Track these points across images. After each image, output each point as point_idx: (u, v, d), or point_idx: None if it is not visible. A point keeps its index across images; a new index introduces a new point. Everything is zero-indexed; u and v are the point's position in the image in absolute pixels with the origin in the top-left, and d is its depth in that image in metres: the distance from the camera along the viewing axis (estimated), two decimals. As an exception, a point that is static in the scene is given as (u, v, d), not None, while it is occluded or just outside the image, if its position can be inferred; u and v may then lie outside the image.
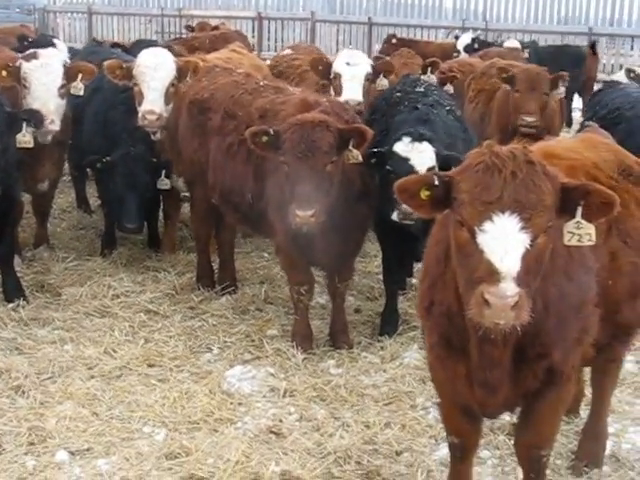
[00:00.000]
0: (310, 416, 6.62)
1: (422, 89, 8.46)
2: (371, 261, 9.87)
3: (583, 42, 24.97)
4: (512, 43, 15.66)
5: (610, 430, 6.24)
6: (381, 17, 30.71)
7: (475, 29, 26.17)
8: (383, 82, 9.95)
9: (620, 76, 12.49)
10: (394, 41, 18.59)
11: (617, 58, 27.31)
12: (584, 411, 6.45)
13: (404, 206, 6.88)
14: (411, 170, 7.09)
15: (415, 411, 6.72)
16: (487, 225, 3.84)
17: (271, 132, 7.02)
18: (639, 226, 5.18)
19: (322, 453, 6.09)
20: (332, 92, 9.74)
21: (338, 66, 9.85)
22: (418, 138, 7.29)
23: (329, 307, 8.26)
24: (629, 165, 5.41)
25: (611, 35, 28.20)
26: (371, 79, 9.86)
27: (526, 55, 15.53)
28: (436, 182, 4.11)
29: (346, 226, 7.30)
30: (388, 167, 7.26)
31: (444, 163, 7.08)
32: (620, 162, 5.38)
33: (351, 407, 6.78)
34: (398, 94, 8.44)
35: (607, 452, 6.12)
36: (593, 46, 21.07)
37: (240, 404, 6.78)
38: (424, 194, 4.14)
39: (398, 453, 6.16)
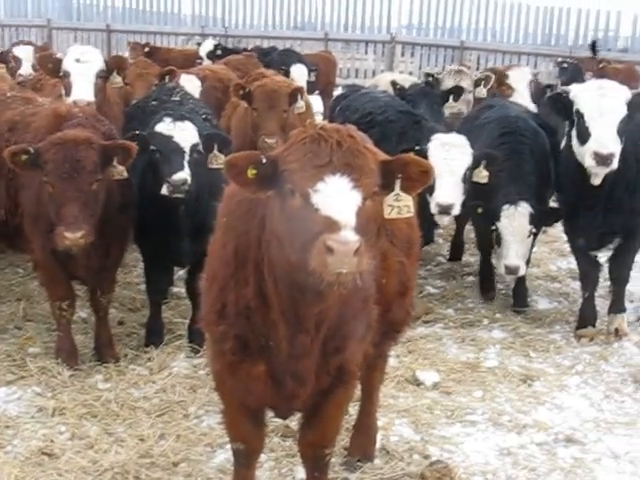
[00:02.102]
0: (82, 434, 6.49)
1: (178, 98, 8.48)
2: (130, 271, 9.76)
3: (320, 47, 25.70)
4: (297, 70, 15.20)
5: (378, 424, 6.46)
6: (120, 24, 30.27)
7: (215, 35, 26.34)
8: (117, 80, 9.55)
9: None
10: (147, 49, 18.45)
11: (352, 62, 28.24)
12: (352, 408, 6.66)
13: (173, 177, 6.95)
14: (176, 146, 7.19)
15: (188, 420, 6.71)
16: (320, 185, 3.89)
17: (31, 151, 6.70)
18: (403, 227, 5.43)
19: (98, 471, 5.97)
20: (62, 91, 9.30)
21: (67, 63, 9.26)
22: (179, 118, 7.38)
23: (92, 321, 8.10)
24: None
25: (346, 40, 29.11)
26: (104, 76, 9.37)
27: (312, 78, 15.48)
28: (263, 160, 4.14)
29: (107, 239, 7.15)
30: (152, 147, 7.24)
31: (208, 141, 7.33)
32: None
33: (124, 421, 6.69)
34: (154, 102, 8.44)
35: (377, 445, 6.35)
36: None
37: (7, 427, 6.55)
38: (251, 172, 4.15)
39: (175, 464, 6.13)
